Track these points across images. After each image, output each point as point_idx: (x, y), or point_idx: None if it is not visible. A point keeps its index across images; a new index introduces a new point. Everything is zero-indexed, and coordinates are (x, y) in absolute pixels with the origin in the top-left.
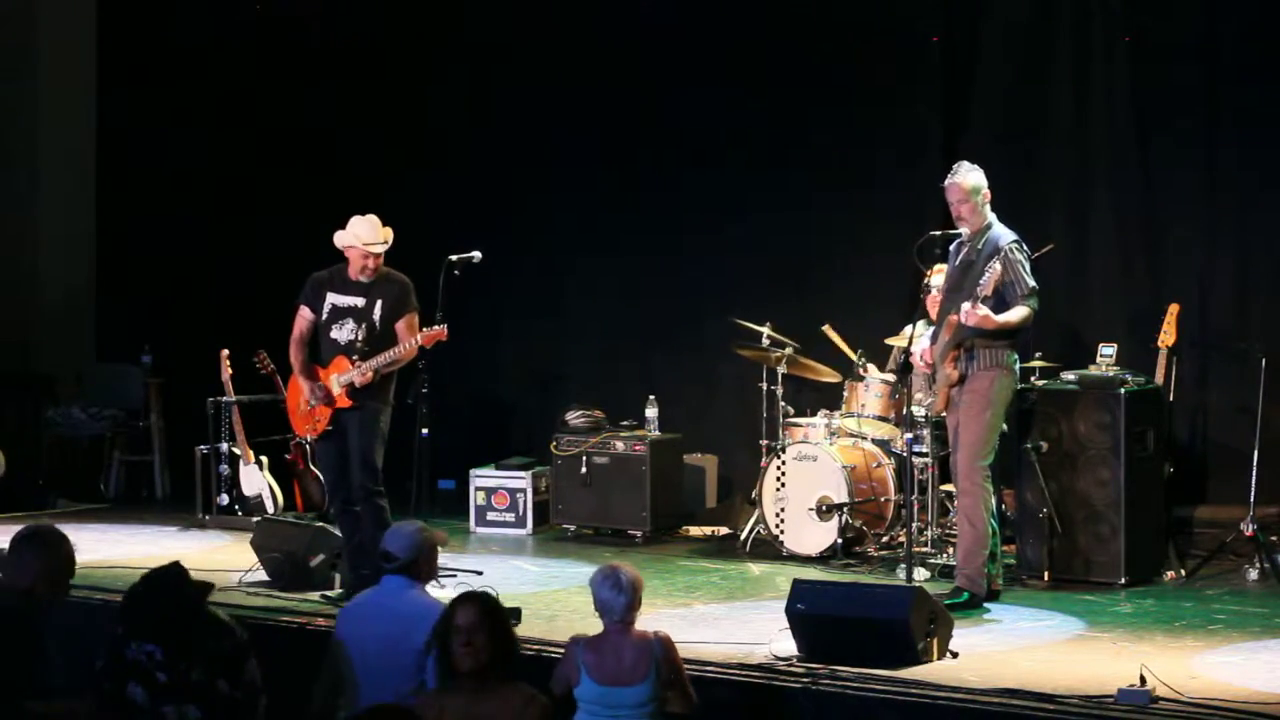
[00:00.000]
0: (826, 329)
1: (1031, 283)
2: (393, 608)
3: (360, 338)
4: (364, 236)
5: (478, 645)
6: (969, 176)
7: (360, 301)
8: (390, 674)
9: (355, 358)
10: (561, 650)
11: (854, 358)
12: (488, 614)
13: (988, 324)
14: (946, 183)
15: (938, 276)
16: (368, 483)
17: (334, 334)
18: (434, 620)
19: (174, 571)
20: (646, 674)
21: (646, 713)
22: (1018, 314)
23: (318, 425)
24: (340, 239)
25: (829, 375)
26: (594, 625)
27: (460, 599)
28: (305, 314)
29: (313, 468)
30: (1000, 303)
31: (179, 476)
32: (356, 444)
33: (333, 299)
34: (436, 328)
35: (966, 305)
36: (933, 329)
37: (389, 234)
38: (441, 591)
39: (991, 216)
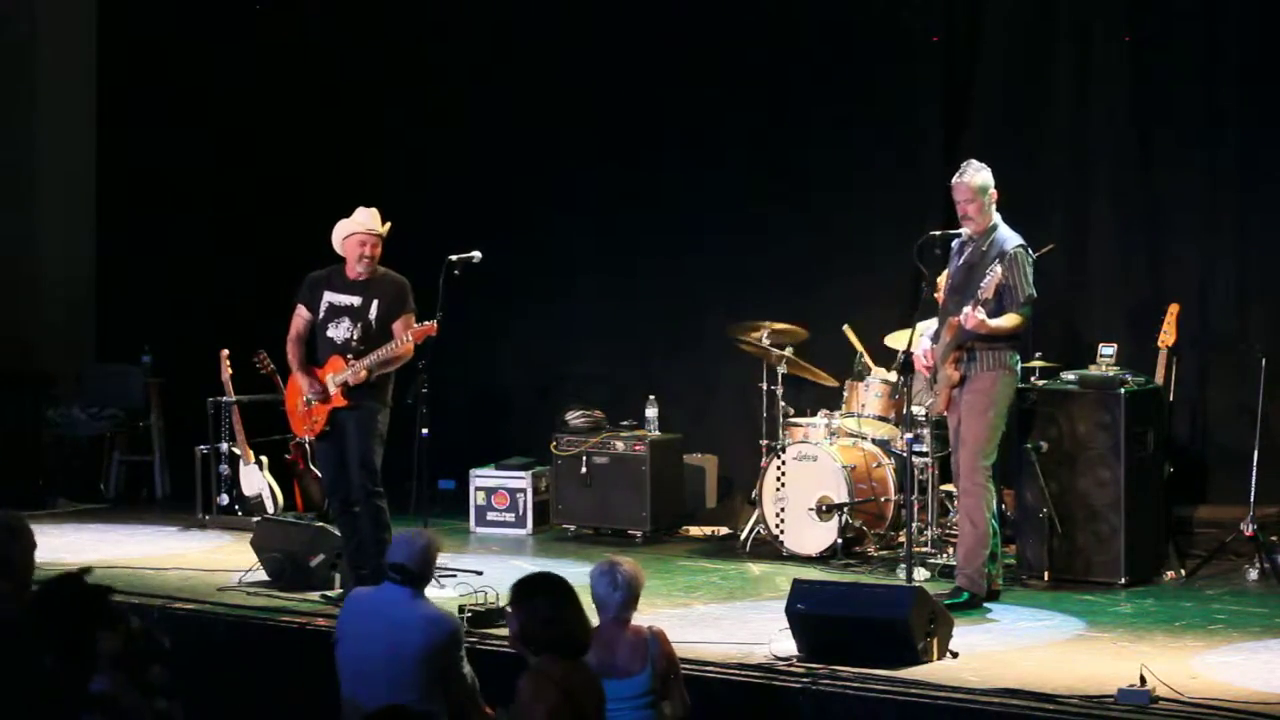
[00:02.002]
0: (847, 330)
1: (1030, 290)
2: (396, 617)
3: (356, 337)
4: (362, 223)
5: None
6: (977, 176)
7: (357, 300)
8: (389, 684)
9: (350, 356)
10: None
11: (860, 350)
12: (519, 591)
13: (982, 329)
14: (954, 182)
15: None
16: (367, 484)
17: (330, 333)
18: (437, 630)
19: (71, 578)
20: (642, 668)
21: (641, 704)
22: (1009, 321)
23: (315, 425)
24: (339, 230)
25: (828, 380)
26: (594, 623)
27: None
28: (302, 313)
29: (313, 468)
30: (999, 307)
31: (179, 476)
32: (355, 445)
33: (329, 297)
34: (427, 323)
35: (967, 309)
36: (933, 329)
37: (386, 226)
38: (441, 591)
39: (997, 217)
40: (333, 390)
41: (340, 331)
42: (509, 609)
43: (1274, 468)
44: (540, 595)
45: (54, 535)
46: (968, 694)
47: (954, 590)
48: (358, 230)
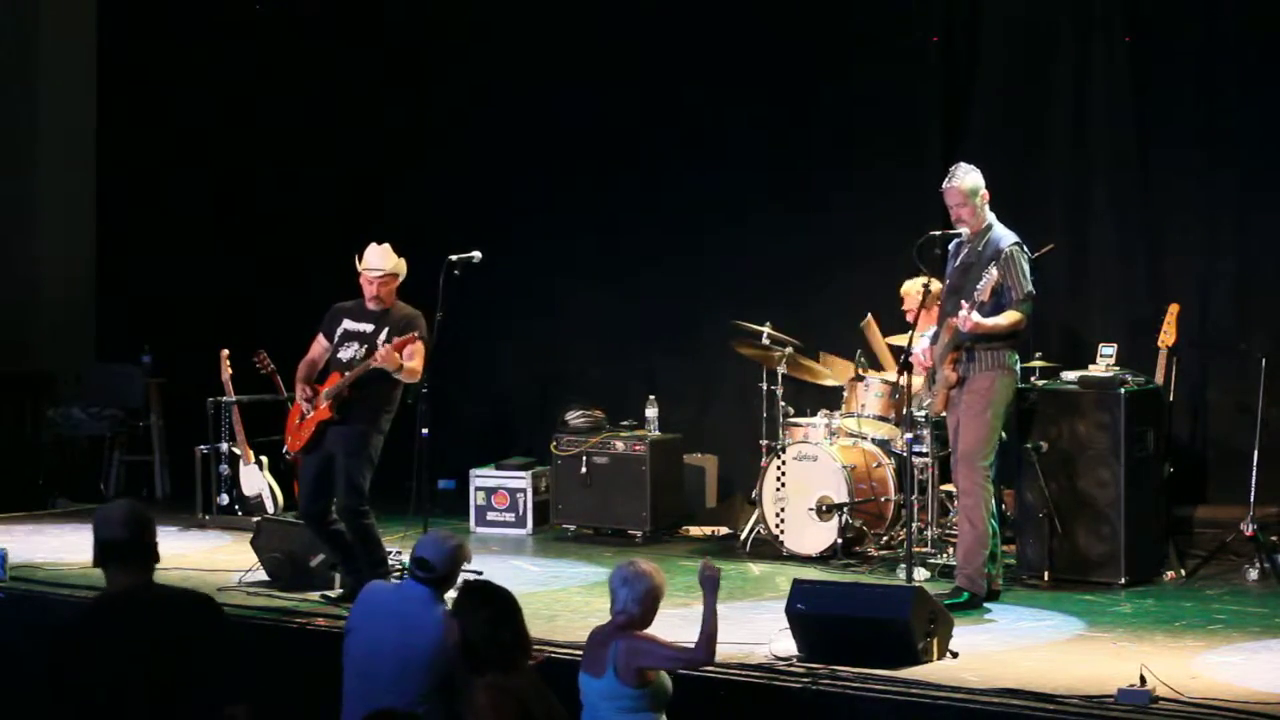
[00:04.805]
0: (868, 324)
1: (1029, 288)
2: (410, 616)
3: (360, 357)
4: (366, 261)
5: (450, 628)
6: (967, 179)
7: (369, 328)
8: (397, 681)
9: (348, 374)
10: (559, 650)
11: (879, 344)
12: (460, 602)
13: (979, 330)
14: (945, 186)
15: (918, 283)
16: (353, 505)
17: (340, 354)
18: (447, 634)
19: None
20: (603, 671)
21: (617, 707)
22: (1007, 319)
23: (301, 438)
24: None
25: (829, 377)
26: (593, 623)
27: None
28: (320, 341)
29: None
30: (998, 306)
31: (179, 476)
32: (342, 465)
33: (347, 324)
34: (405, 334)
35: (962, 311)
36: (933, 329)
37: (400, 264)
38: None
39: (991, 217)
40: (323, 404)
41: (347, 353)
42: (452, 614)
43: (1274, 468)
44: (482, 608)
45: (54, 535)
46: (968, 694)
47: (954, 590)
48: (363, 271)
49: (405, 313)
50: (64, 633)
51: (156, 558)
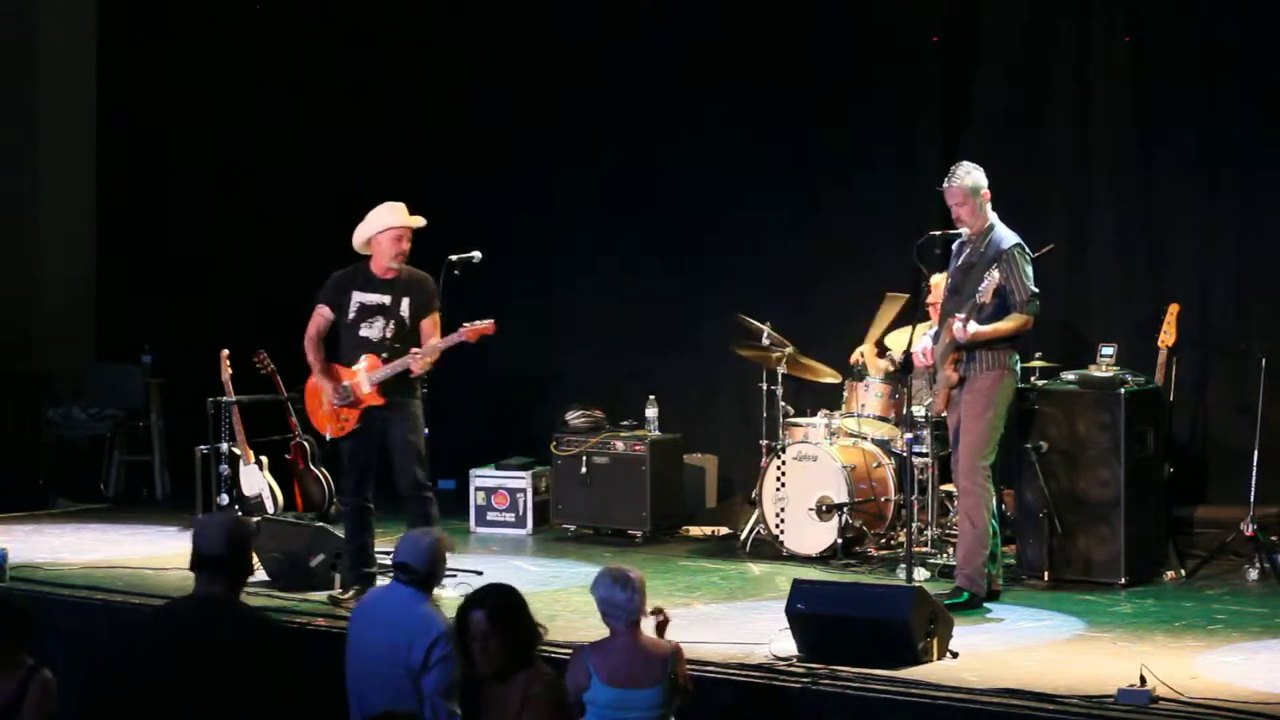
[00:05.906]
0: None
1: (1032, 288)
2: (399, 619)
3: (390, 335)
4: (402, 218)
5: (491, 650)
6: (967, 178)
7: (387, 299)
8: (385, 683)
9: (385, 355)
10: (561, 649)
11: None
12: (497, 618)
13: (979, 339)
14: (945, 186)
15: (938, 278)
16: (424, 479)
17: (364, 332)
18: (433, 635)
19: None
20: (659, 679)
21: (656, 716)
22: (1010, 323)
23: (345, 424)
24: (369, 227)
25: (829, 375)
26: (594, 623)
27: (469, 602)
28: (323, 312)
29: (313, 468)
30: (1002, 307)
31: (179, 476)
32: (407, 442)
33: (359, 297)
34: (485, 322)
35: (958, 323)
36: (934, 329)
37: (418, 220)
38: (442, 592)
39: (993, 217)
40: (367, 390)
41: (374, 331)
42: (481, 640)
43: (1274, 468)
44: (514, 614)
45: (54, 535)
46: (968, 694)
47: (954, 590)
48: (394, 226)
49: (418, 278)
50: (135, 633)
51: (249, 572)
